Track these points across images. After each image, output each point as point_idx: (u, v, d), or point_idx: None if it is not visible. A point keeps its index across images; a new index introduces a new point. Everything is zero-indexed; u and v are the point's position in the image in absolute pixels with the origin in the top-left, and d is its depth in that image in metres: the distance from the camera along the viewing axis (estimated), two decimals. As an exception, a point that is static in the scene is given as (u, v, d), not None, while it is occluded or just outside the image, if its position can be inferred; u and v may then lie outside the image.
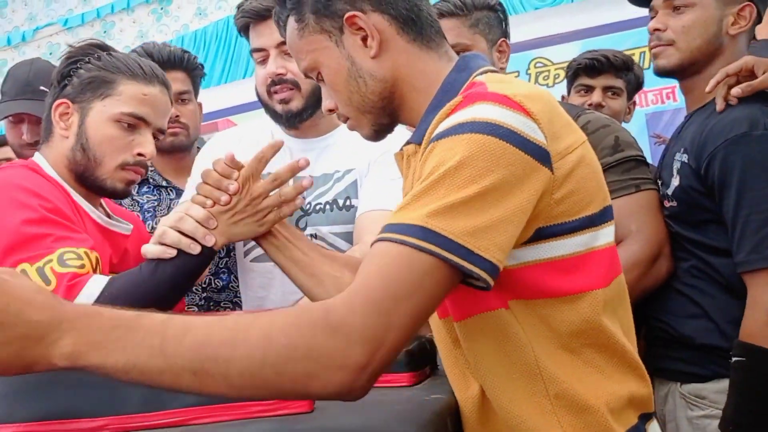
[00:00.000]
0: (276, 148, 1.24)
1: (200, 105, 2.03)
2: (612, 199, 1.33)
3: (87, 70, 1.32)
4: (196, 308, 1.79)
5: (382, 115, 1.01)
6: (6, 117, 2.02)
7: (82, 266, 1.14)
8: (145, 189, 1.93)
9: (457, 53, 1.54)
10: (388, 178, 1.49)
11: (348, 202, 1.54)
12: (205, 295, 1.78)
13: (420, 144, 0.93)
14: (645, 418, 0.94)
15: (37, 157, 1.35)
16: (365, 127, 1.03)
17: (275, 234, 1.24)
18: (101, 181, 1.30)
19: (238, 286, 1.75)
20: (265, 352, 0.70)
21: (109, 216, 1.39)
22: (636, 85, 2.29)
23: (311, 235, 1.54)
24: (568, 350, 0.88)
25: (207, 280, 1.77)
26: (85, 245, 1.18)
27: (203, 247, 1.16)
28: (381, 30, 0.97)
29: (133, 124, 1.30)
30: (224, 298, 1.82)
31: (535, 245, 0.85)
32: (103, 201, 1.40)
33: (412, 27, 0.98)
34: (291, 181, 1.52)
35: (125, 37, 5.24)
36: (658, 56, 1.51)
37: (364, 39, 0.97)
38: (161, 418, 0.85)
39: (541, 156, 0.81)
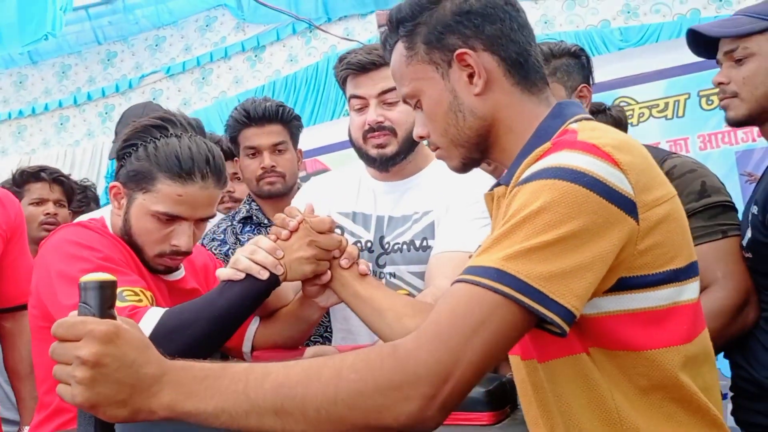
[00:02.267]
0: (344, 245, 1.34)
1: (300, 152, 2.14)
2: (696, 245, 1.28)
3: (136, 159, 1.36)
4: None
5: (474, 151, 1.02)
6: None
7: (140, 300, 1.22)
8: (247, 228, 2.06)
9: None
10: (463, 220, 1.53)
11: (425, 243, 1.59)
12: None
13: (509, 186, 0.93)
14: None
15: (106, 214, 1.45)
16: (454, 159, 1.04)
17: (340, 273, 1.31)
18: (145, 262, 1.39)
19: (329, 321, 1.83)
20: (336, 388, 0.73)
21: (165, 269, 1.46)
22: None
23: (390, 274, 1.61)
24: (648, 402, 0.86)
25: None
26: (140, 285, 1.26)
27: (270, 274, 1.25)
28: (489, 70, 0.97)
29: (169, 219, 1.35)
30: (315, 332, 1.89)
31: (617, 295, 0.85)
32: None
33: (518, 70, 0.98)
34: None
35: (222, 82, 5.54)
36: (726, 108, 1.49)
37: (471, 76, 0.98)
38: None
39: (627, 206, 0.81)
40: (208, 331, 1.21)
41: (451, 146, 1.02)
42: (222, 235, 2.07)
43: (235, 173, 2.55)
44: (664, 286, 0.86)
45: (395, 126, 1.61)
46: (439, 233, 1.58)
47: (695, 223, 1.45)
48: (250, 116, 2.00)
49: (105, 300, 0.74)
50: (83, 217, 1.58)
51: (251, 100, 2.07)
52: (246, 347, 1.45)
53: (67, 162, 5.64)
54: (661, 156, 1.59)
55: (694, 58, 3.71)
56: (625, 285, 0.85)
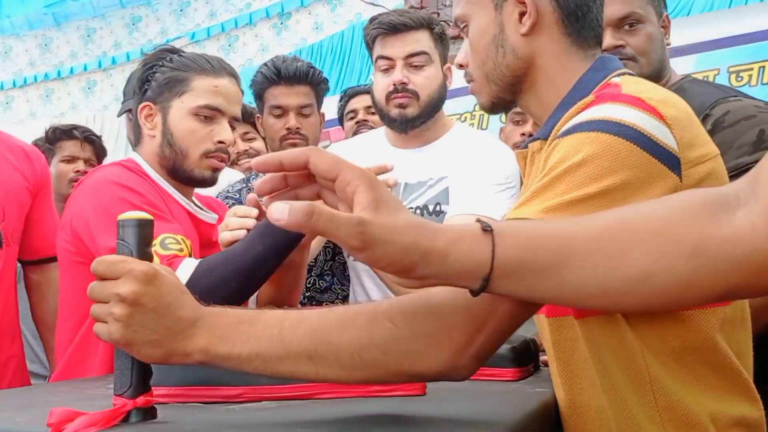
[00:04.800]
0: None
1: (322, 115, 2.13)
2: None
3: (162, 73, 1.44)
4: (299, 306, 1.91)
5: (506, 91, 1.00)
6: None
7: (181, 250, 1.24)
8: None
9: (630, 24, 1.50)
10: (478, 185, 1.56)
11: (438, 208, 1.62)
12: (308, 294, 1.87)
13: (546, 140, 0.92)
14: None
15: (134, 155, 1.48)
16: (484, 96, 1.03)
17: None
18: (190, 172, 1.43)
19: (340, 288, 1.87)
20: (371, 333, 0.72)
21: (199, 207, 1.51)
22: None
23: None
24: (680, 364, 0.85)
25: (312, 281, 1.87)
26: (181, 233, 1.29)
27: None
28: (542, 13, 0.96)
29: (209, 115, 1.41)
30: (326, 298, 1.91)
31: None
32: (194, 195, 1.52)
33: (573, 22, 0.96)
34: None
35: (248, 50, 5.54)
36: None
37: (522, 14, 0.96)
38: (289, 391, 0.91)
39: (671, 161, 0.79)
40: (236, 288, 1.20)
41: (484, 81, 1.01)
42: (237, 195, 2.07)
43: (247, 132, 2.52)
44: None
45: (418, 90, 1.63)
46: (454, 197, 1.60)
47: None
48: (281, 74, 1.98)
49: (143, 238, 0.75)
50: None
51: (282, 59, 2.04)
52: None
53: (96, 127, 5.69)
54: (715, 98, 1.39)
55: (725, 33, 3.63)
56: None
